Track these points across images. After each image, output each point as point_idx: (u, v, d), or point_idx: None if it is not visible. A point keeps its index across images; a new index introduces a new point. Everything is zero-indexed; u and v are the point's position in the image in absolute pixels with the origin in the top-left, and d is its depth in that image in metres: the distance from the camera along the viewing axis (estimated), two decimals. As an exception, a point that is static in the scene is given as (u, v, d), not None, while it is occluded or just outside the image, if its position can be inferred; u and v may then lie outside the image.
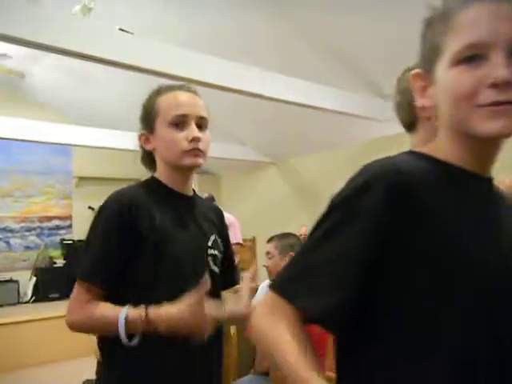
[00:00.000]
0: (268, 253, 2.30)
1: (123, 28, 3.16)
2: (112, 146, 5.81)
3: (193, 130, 1.23)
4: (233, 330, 2.42)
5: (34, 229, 7.24)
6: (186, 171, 1.29)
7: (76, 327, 1.18)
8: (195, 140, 1.23)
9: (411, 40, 3.37)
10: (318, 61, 4.38)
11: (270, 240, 2.38)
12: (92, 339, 3.72)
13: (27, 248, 7.09)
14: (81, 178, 7.62)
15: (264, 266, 2.34)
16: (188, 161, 1.23)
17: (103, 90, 5.96)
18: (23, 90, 6.58)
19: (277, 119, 5.74)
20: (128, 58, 2.96)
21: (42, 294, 6.47)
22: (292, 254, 2.28)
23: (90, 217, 5.94)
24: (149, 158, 1.38)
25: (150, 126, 1.29)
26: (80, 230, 7.47)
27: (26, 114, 5.79)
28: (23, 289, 6.55)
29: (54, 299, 6.42)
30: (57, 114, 6.64)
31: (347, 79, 4.60)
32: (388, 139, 5.68)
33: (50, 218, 7.40)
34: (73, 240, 7.33)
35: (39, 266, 6.89)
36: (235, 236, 4.33)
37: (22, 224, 7.13)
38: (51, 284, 6.57)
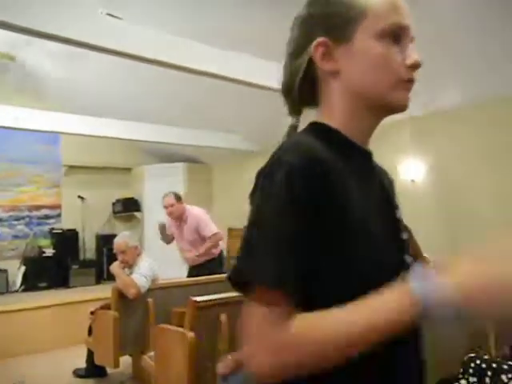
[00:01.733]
0: None
1: (111, 13, 3.10)
2: (101, 134, 5.75)
3: (413, 52, 0.80)
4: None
5: (23, 218, 7.16)
6: (383, 114, 0.85)
7: (287, 366, 0.68)
8: (415, 67, 0.81)
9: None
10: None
11: None
12: (82, 328, 3.68)
13: (16, 237, 7.01)
14: (70, 167, 7.53)
15: None
16: (400, 96, 0.81)
17: (92, 77, 5.87)
18: (10, 75, 6.46)
19: (268, 109, 5.69)
20: (116, 43, 2.91)
21: (30, 283, 6.42)
22: None
23: (79, 206, 5.91)
24: (308, 90, 0.85)
25: (341, 32, 0.80)
26: (69, 219, 7.42)
27: (13, 100, 5.69)
28: (12, 278, 6.50)
29: (43, 288, 6.39)
30: (43, 101, 6.53)
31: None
32: (382, 127, 5.69)
33: (38, 207, 7.32)
34: (62, 229, 7.27)
35: (28, 255, 6.83)
36: (209, 228, 4.27)
37: (11, 213, 7.05)
38: (40, 273, 6.53)
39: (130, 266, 3.42)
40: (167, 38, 3.35)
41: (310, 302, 0.69)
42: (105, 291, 4.10)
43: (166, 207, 4.24)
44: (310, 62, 0.80)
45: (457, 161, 4.98)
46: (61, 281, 6.57)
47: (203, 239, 4.16)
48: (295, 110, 0.89)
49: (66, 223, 7.40)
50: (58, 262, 6.70)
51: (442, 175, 5.12)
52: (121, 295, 3.19)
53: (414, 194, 5.33)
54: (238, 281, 0.70)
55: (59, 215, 7.50)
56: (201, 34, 3.75)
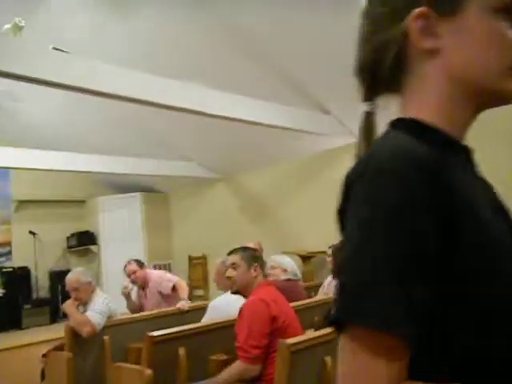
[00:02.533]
0: (233, 263, 2.28)
1: (58, 47, 3.08)
2: (51, 167, 5.59)
3: None
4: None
5: (-30, 257, 6.80)
6: (488, 105, 0.69)
7: None
8: None
9: (349, 60, 3.50)
10: (261, 78, 4.46)
11: (232, 252, 2.37)
12: (35, 373, 3.50)
13: (-38, 278, 6.63)
14: (20, 202, 7.26)
15: (227, 276, 2.31)
16: None
17: (41, 110, 5.75)
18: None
19: (223, 136, 5.77)
20: (63, 77, 2.88)
21: (-21, 326, 6.05)
22: (257, 265, 2.28)
23: (31, 242, 5.70)
24: (390, 72, 0.68)
25: (448, 3, 0.65)
26: (20, 257, 7.10)
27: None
28: (-41, 322, 6.11)
29: (-8, 331, 6.03)
30: (-9, 136, 6.32)
31: (289, 96, 4.71)
32: (331, 152, 5.87)
33: (-13, 246, 6.98)
34: (13, 267, 6.93)
35: (-24, 296, 6.45)
36: (167, 283, 4.15)
37: (-43, 253, 6.68)
38: (-11, 315, 6.18)
39: (84, 303, 3.30)
40: (119, 70, 3.35)
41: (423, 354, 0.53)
42: (60, 331, 3.90)
43: (128, 275, 4.20)
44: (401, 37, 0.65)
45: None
46: (12, 322, 6.23)
47: (167, 297, 4.08)
48: (371, 94, 0.72)
49: (16, 261, 7.07)
50: (8, 303, 6.36)
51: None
52: (75, 334, 3.06)
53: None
54: (343, 322, 0.53)
55: (9, 253, 7.16)
56: (151, 64, 3.79)
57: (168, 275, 4.29)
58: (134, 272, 4.17)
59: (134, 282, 4.21)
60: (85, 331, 3.03)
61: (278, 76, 4.46)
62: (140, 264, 4.25)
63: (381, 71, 0.68)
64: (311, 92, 4.74)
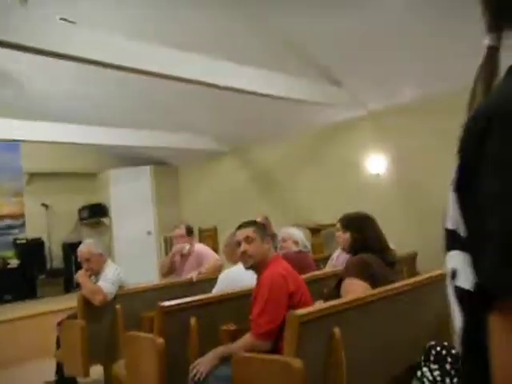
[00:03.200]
0: (247, 237, 2.25)
1: (65, 17, 3.03)
2: (63, 140, 5.62)
3: None
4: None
5: (-15, 229, 6.93)
6: None
7: None
8: None
9: (363, 32, 3.38)
10: (273, 50, 4.37)
11: (242, 226, 2.34)
12: (50, 340, 3.59)
13: (-22, 250, 6.78)
14: (32, 175, 7.32)
15: (243, 251, 2.29)
16: None
17: (53, 82, 5.72)
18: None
19: (233, 108, 5.71)
20: (70, 48, 2.84)
21: (-5, 296, 6.22)
22: (269, 237, 2.28)
23: (43, 214, 5.77)
24: None
25: None
26: (34, 229, 7.21)
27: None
28: (-25, 292, 6.27)
29: (7, 301, 6.19)
30: (1, 108, 6.32)
31: (302, 68, 4.62)
32: (343, 125, 5.80)
33: (0, 218, 7.09)
34: (26, 239, 7.06)
35: (-9, 267, 6.61)
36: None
37: (-29, 225, 6.81)
38: (4, 286, 6.33)
39: (95, 273, 3.37)
40: (124, 41, 3.30)
41: None
42: (74, 300, 3.99)
43: (175, 237, 4.20)
44: None
45: (417, 153, 5.11)
46: (27, 292, 6.38)
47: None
48: (497, 23, 0.59)
49: (30, 232, 7.19)
50: (23, 273, 6.50)
51: (405, 166, 5.24)
52: (87, 303, 3.13)
53: (379, 187, 5.44)
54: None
55: (23, 224, 7.28)
56: (160, 37, 3.72)
57: (211, 252, 4.23)
58: (182, 236, 4.16)
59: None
60: (97, 300, 3.10)
61: (290, 48, 4.36)
62: (190, 231, 4.23)
63: None
64: (324, 64, 4.64)
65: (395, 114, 5.25)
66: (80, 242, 3.73)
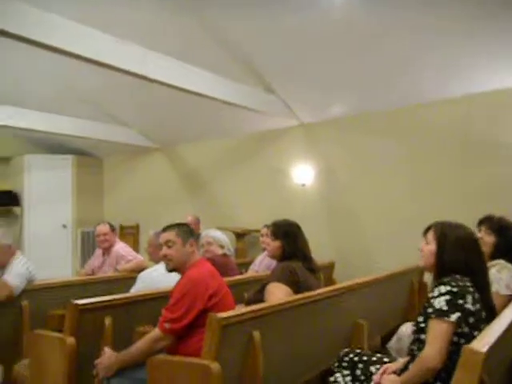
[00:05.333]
0: (168, 241, 2.19)
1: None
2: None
3: None
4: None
5: None
6: None
7: None
8: None
9: (300, 43, 3.47)
10: (209, 48, 4.34)
11: (166, 229, 2.27)
12: None
13: None
14: None
15: (163, 255, 2.22)
16: None
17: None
18: None
19: (165, 105, 5.59)
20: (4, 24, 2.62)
21: None
22: (192, 240, 2.20)
23: None
24: None
25: None
26: None
27: None
28: None
29: None
30: None
31: (236, 71, 4.65)
32: (272, 132, 5.90)
33: None
34: None
35: None
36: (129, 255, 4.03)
37: None
38: None
39: (1, 266, 3.10)
40: (61, 21, 3.12)
41: None
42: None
43: (98, 235, 3.95)
44: None
45: (343, 166, 5.35)
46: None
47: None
48: None
49: None
50: None
51: (330, 180, 5.46)
52: (-10, 298, 2.87)
53: (304, 197, 5.61)
54: None
55: None
56: (92, 19, 3.54)
57: (133, 253, 4.04)
58: (105, 234, 3.93)
59: (102, 243, 3.96)
60: (2, 295, 2.86)
61: (226, 49, 4.37)
62: (112, 228, 4.02)
63: None
64: (259, 70, 4.70)
65: (326, 127, 5.45)
66: (-15, 232, 3.42)
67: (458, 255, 1.74)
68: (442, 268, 1.73)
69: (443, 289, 1.62)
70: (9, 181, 7.41)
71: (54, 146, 7.38)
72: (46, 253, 6.73)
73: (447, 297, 1.59)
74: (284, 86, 4.93)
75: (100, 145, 7.11)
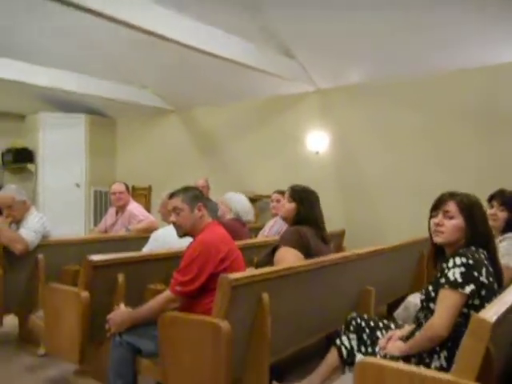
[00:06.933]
0: (175, 208, 2.18)
1: None
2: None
3: None
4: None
5: None
6: None
7: None
8: None
9: (320, 6, 3.35)
10: (228, 8, 4.22)
11: (172, 195, 2.26)
12: None
13: None
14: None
15: (171, 221, 2.23)
16: None
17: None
18: None
19: (181, 66, 5.50)
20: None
21: None
22: (200, 204, 2.19)
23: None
24: None
25: None
26: None
27: None
28: None
29: None
30: None
31: (256, 33, 4.53)
32: (289, 98, 5.81)
33: None
34: None
35: None
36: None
37: None
38: None
39: (17, 221, 3.16)
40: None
41: None
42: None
43: (113, 193, 4.00)
44: None
45: (358, 135, 5.28)
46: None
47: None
48: None
49: None
50: None
51: (344, 148, 5.40)
52: (6, 251, 2.95)
53: (317, 164, 5.57)
54: None
55: None
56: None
57: (146, 213, 4.08)
58: (121, 192, 3.99)
59: (117, 201, 4.01)
60: (17, 248, 2.93)
61: (246, 9, 4.25)
62: (127, 187, 4.09)
63: None
64: (279, 33, 4.58)
65: (342, 94, 5.35)
66: (1, 187, 3.47)
67: (486, 228, 1.70)
68: (471, 243, 1.65)
69: (458, 260, 1.60)
70: (24, 138, 7.46)
71: (68, 104, 7.36)
72: (59, 210, 6.84)
73: (462, 269, 1.58)
74: (303, 51, 4.81)
75: (114, 105, 7.07)
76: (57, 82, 5.68)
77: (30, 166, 7.31)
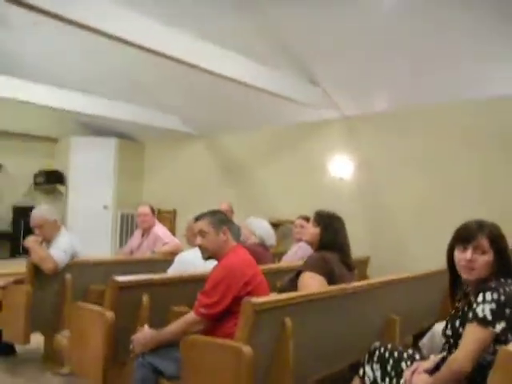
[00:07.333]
0: (201, 231, 2.22)
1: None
2: (24, 98, 5.35)
3: None
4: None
5: None
6: None
7: None
8: None
9: (345, 34, 3.43)
10: (258, 40, 4.35)
11: (198, 218, 2.29)
12: None
13: None
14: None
15: (198, 244, 2.27)
16: None
17: (24, 37, 5.46)
18: None
19: (208, 93, 5.65)
20: (57, 8, 2.74)
21: None
22: (225, 228, 2.22)
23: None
24: None
25: None
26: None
27: None
28: None
29: None
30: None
31: (281, 61, 4.64)
32: (315, 124, 5.86)
33: None
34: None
35: None
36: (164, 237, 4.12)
37: None
38: None
39: (47, 240, 3.25)
40: (109, 6, 3.21)
41: None
42: (19, 265, 3.85)
43: (138, 216, 4.12)
44: None
45: (382, 164, 5.25)
46: None
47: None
48: None
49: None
50: None
51: (368, 175, 5.38)
52: (36, 270, 3.03)
53: (341, 191, 5.56)
54: None
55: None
56: (148, 6, 3.62)
57: (171, 236, 4.17)
58: (146, 215, 4.08)
59: (142, 223, 4.10)
60: (47, 267, 3.01)
61: (273, 39, 4.37)
62: (152, 210, 4.17)
63: None
64: (304, 61, 4.67)
65: (366, 122, 5.37)
66: (32, 207, 3.59)
67: (510, 258, 1.63)
68: (501, 276, 1.59)
69: (489, 296, 1.53)
70: (55, 160, 7.72)
71: (98, 128, 7.62)
72: (87, 231, 6.98)
73: (493, 305, 1.51)
74: (328, 78, 4.88)
75: (143, 130, 7.28)
76: (89, 107, 5.89)
77: (60, 187, 7.54)
